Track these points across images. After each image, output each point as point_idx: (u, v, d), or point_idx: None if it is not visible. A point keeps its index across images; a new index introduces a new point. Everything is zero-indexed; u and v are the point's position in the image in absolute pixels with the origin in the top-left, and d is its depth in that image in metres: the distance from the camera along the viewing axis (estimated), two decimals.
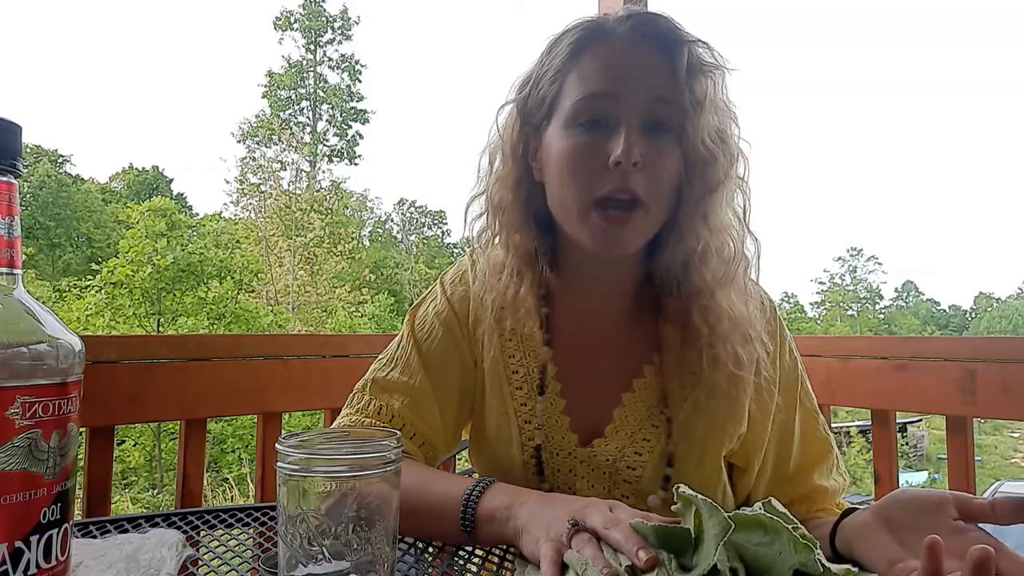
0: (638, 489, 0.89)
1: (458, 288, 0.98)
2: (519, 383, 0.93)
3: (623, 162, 0.77)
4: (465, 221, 0.95)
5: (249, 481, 10.65)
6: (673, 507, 0.59)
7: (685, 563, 0.55)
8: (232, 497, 10.39)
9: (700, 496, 0.55)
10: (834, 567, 0.54)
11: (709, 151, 0.82)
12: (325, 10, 35.34)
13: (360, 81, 35.95)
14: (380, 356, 0.99)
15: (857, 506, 0.81)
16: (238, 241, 20.83)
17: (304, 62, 35.28)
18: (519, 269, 0.90)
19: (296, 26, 35.11)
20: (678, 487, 0.58)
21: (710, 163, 0.82)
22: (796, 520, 0.57)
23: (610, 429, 0.90)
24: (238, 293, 17.16)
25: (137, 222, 16.33)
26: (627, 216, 0.80)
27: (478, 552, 0.76)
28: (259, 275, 18.97)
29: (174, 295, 15.72)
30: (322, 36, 35.22)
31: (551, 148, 0.85)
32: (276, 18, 35.30)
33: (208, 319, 15.55)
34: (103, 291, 15.33)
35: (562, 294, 0.94)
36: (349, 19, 35.62)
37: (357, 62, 35.82)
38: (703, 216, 0.84)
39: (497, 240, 0.92)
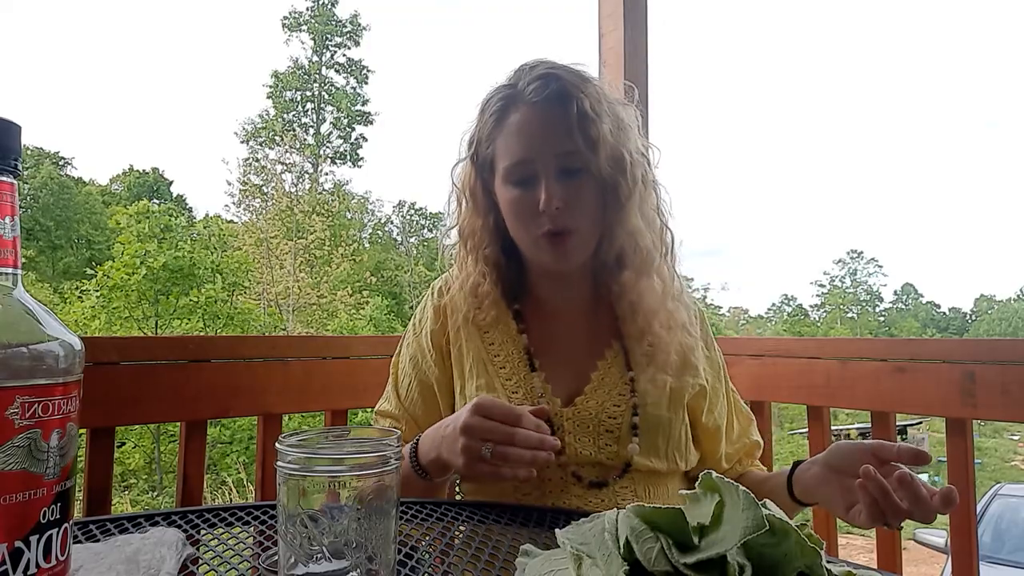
0: (619, 437, 1.07)
1: (431, 304, 1.19)
2: (502, 364, 1.12)
3: (547, 209, 1.01)
4: (440, 249, 1.21)
5: (248, 484, 10.64)
6: (683, 492, 0.59)
7: (687, 542, 0.54)
8: (231, 500, 10.38)
9: (740, 487, 0.53)
10: (835, 569, 0.54)
11: (612, 177, 1.05)
12: (336, 15, 35.37)
13: (367, 83, 35.98)
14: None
15: (800, 459, 1.05)
16: (225, 241, 20.76)
17: (310, 64, 35.30)
18: (484, 272, 1.13)
19: (304, 27, 35.13)
20: (709, 472, 0.57)
21: (614, 186, 1.06)
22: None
23: (589, 388, 1.09)
24: (232, 295, 17.13)
25: (126, 226, 16.29)
26: (565, 239, 1.04)
27: (478, 553, 0.76)
28: (249, 274, 18.91)
29: (169, 298, 15.68)
30: (330, 40, 35.25)
31: (500, 197, 1.10)
32: (284, 17, 35.37)
33: (203, 322, 15.53)
34: (99, 294, 15.31)
35: (531, 293, 1.17)
36: (359, 25, 35.67)
37: (365, 67, 35.86)
38: (620, 223, 1.07)
39: (469, 257, 1.15)
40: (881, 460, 0.85)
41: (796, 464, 1.03)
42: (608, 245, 1.09)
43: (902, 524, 0.84)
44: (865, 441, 0.90)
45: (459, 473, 0.92)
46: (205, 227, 21.89)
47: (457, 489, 1.32)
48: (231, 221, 23.65)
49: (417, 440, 1.00)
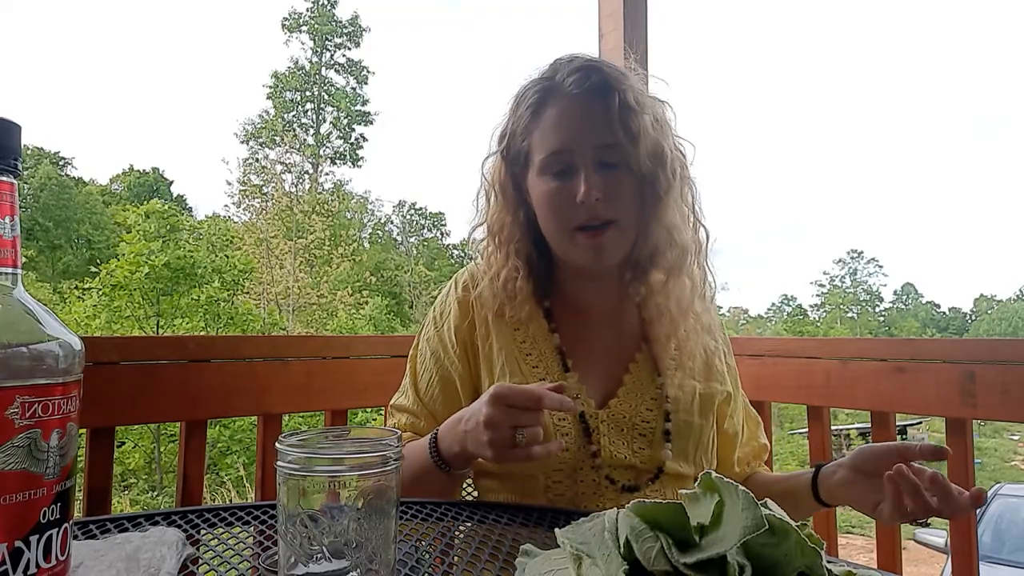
0: (652, 441, 1.06)
1: (455, 298, 1.16)
2: (534, 363, 1.10)
3: (586, 201, 1.00)
4: (468, 244, 1.19)
5: (247, 484, 10.64)
6: (684, 491, 0.58)
7: (687, 539, 0.54)
8: (230, 500, 10.38)
9: (740, 487, 0.53)
10: (835, 569, 0.54)
11: (650, 171, 1.03)
12: (335, 16, 35.39)
13: (367, 84, 36.00)
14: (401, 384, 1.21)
15: (822, 462, 1.06)
16: (231, 241, 20.79)
17: (310, 65, 35.31)
18: (516, 266, 1.10)
19: (304, 28, 35.16)
20: (708, 472, 0.57)
21: (652, 180, 1.04)
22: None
23: (623, 391, 1.08)
24: (233, 295, 17.13)
25: (134, 225, 16.32)
26: (603, 232, 1.02)
27: (478, 553, 0.76)
28: (252, 275, 18.93)
29: (171, 297, 15.68)
30: (330, 40, 35.27)
31: (534, 191, 1.08)
32: (284, 18, 35.39)
33: (203, 321, 15.53)
34: (101, 293, 15.31)
35: (559, 291, 1.15)
36: (360, 27, 35.69)
37: (365, 67, 35.89)
38: (656, 219, 1.06)
39: (499, 252, 1.12)
40: (905, 459, 0.89)
41: (819, 467, 1.04)
42: (643, 242, 1.07)
43: (928, 520, 0.92)
44: (889, 443, 0.93)
45: (489, 462, 0.92)
46: (208, 227, 21.91)
47: (470, 488, 1.27)
48: (231, 220, 23.67)
49: (435, 435, 0.98)
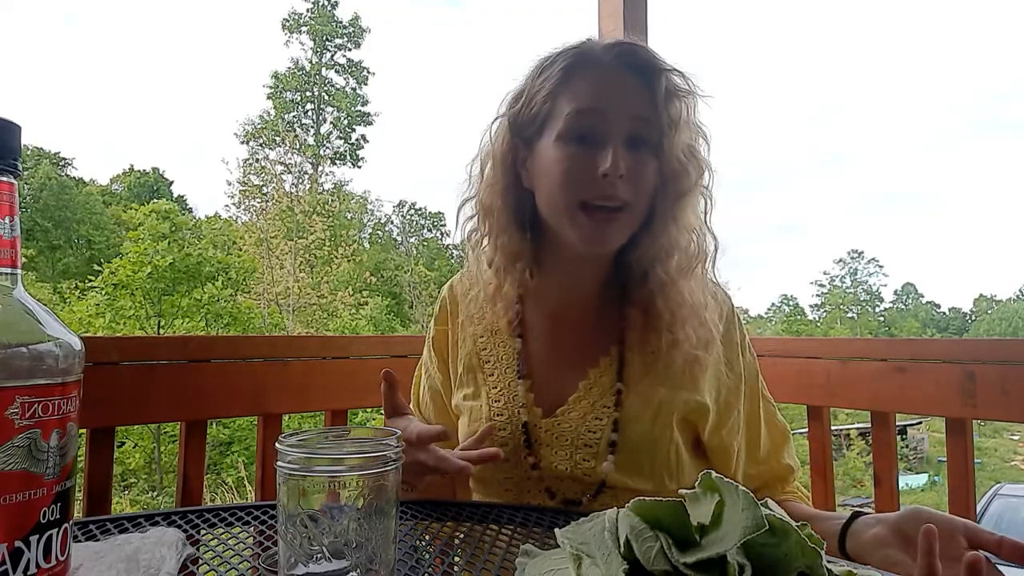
0: (597, 453, 0.97)
1: (435, 314, 1.17)
2: (491, 371, 1.06)
3: (611, 174, 0.90)
4: (457, 222, 1.08)
5: (247, 484, 10.64)
6: (684, 491, 0.58)
7: (688, 538, 0.54)
8: (231, 500, 10.38)
9: (740, 487, 0.53)
10: (835, 569, 0.54)
11: (681, 164, 0.96)
12: (336, 16, 35.43)
13: (367, 84, 36.03)
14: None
15: (861, 510, 0.89)
16: (234, 242, 20.87)
17: (311, 65, 35.36)
18: (504, 267, 1.03)
19: (304, 29, 35.20)
20: (708, 472, 0.56)
21: (681, 174, 0.96)
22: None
23: (573, 399, 1.00)
24: (235, 295, 17.19)
25: (140, 224, 16.37)
26: (614, 217, 0.93)
27: (477, 553, 0.76)
28: (255, 276, 19.00)
29: (173, 297, 15.72)
30: (330, 41, 35.31)
31: (544, 157, 0.97)
32: (284, 19, 35.43)
33: (204, 321, 15.56)
34: (104, 292, 15.35)
35: (536, 291, 1.07)
36: (360, 27, 35.73)
37: (365, 68, 35.93)
38: (673, 218, 0.98)
39: (486, 240, 1.05)
40: (973, 545, 0.73)
41: (855, 515, 0.88)
42: (653, 240, 0.98)
43: None
44: (956, 519, 0.77)
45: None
46: (209, 227, 21.96)
47: None
48: (237, 220, 23.72)
49: None
